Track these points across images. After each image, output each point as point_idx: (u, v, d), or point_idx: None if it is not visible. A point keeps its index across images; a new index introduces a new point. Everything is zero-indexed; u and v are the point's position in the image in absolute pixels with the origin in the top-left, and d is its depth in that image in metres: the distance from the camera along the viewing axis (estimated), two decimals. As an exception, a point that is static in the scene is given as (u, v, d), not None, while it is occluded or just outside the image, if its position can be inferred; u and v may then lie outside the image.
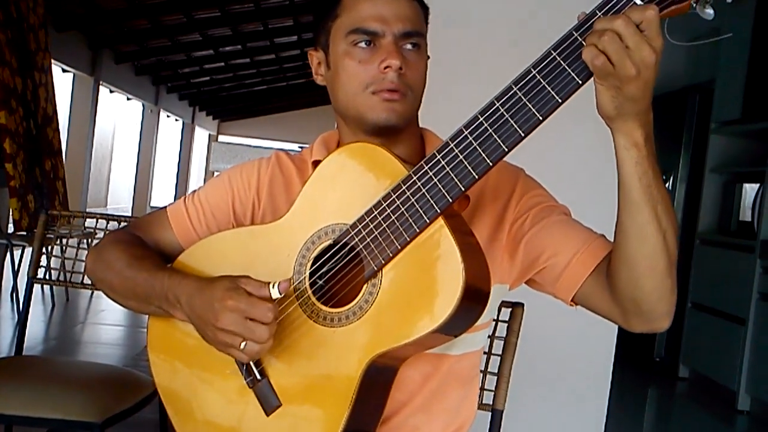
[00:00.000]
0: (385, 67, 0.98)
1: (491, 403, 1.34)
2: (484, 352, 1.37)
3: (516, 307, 1.36)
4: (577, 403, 2.27)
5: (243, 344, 0.88)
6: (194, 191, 1.18)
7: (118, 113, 14.96)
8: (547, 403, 2.25)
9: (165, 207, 1.18)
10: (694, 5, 0.78)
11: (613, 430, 2.37)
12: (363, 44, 1.00)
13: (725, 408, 4.00)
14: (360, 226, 0.91)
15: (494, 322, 1.39)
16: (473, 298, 0.87)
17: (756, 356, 3.87)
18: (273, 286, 0.90)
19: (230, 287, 0.90)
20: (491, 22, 2.16)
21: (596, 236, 1.02)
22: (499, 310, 1.39)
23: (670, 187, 4.78)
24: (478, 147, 0.85)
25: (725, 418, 3.93)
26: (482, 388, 1.37)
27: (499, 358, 1.36)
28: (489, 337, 1.39)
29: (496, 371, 1.35)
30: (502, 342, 1.36)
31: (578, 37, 0.80)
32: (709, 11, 0.78)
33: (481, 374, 1.37)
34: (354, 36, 1.00)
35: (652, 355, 4.72)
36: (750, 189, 4.27)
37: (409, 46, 1.01)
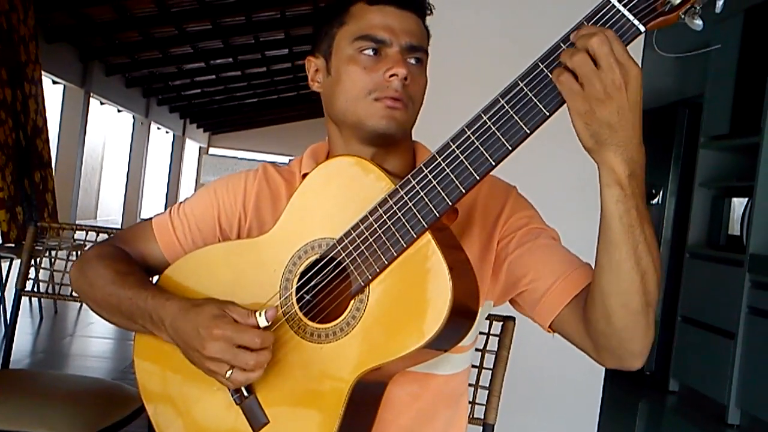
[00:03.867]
0: (391, 75, 0.97)
1: (482, 417, 1.33)
2: (475, 366, 1.37)
3: (507, 321, 1.35)
4: (567, 417, 2.26)
5: (229, 373, 0.88)
6: (180, 203, 1.16)
7: (109, 125, 14.92)
8: (539, 417, 2.24)
9: (150, 219, 1.16)
10: (683, 16, 0.77)
11: (604, 444, 2.36)
12: (369, 51, 0.99)
13: (715, 422, 4.00)
14: (346, 241, 0.90)
15: (485, 336, 1.39)
16: (462, 312, 0.86)
17: (746, 370, 3.87)
18: (260, 314, 0.89)
19: (216, 315, 0.89)
20: (486, 35, 2.18)
21: (580, 264, 0.99)
22: (491, 324, 1.39)
23: (659, 202, 4.81)
24: (465, 160, 0.83)
25: (715, 432, 3.93)
26: (473, 403, 1.36)
27: (490, 372, 1.35)
28: (480, 351, 1.38)
29: (487, 385, 1.35)
30: (494, 356, 1.36)
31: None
32: (698, 22, 0.77)
33: (472, 389, 1.36)
34: (361, 42, 0.99)
35: (642, 369, 4.72)
36: (738, 203, 4.29)
37: (413, 61, 1.00)
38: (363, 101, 0.99)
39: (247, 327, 0.88)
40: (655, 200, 4.82)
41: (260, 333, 0.88)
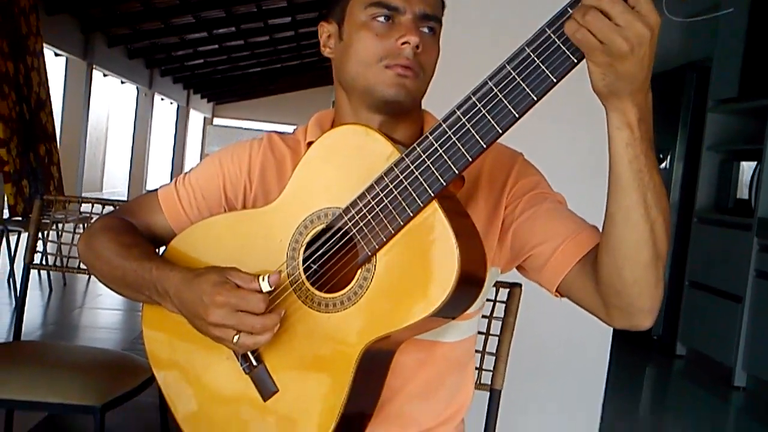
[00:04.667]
0: (403, 43, 0.96)
1: (489, 383, 1.34)
2: (482, 333, 1.37)
3: (514, 287, 1.35)
4: (575, 382, 2.28)
5: (236, 338, 0.88)
6: (185, 173, 1.15)
7: (112, 97, 14.88)
8: (546, 383, 2.25)
9: (156, 190, 1.16)
10: None
11: (611, 407, 2.38)
12: (382, 19, 0.98)
13: (722, 384, 4.03)
14: (353, 211, 0.90)
15: (492, 303, 1.39)
16: (469, 280, 0.86)
17: (752, 333, 3.89)
18: (263, 279, 0.89)
19: (218, 281, 0.89)
20: (497, 3, 2.15)
21: (586, 226, 0.98)
22: (497, 291, 1.39)
23: (667, 166, 4.78)
24: (471, 128, 0.82)
25: (722, 394, 3.96)
26: (481, 368, 1.37)
27: (497, 338, 1.36)
28: (487, 317, 1.39)
29: (494, 351, 1.36)
30: (500, 323, 1.36)
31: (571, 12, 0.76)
32: None
33: (479, 355, 1.37)
34: (374, 9, 0.98)
35: (650, 333, 4.75)
36: (747, 167, 4.27)
37: (426, 30, 0.99)
38: (374, 68, 0.98)
39: (251, 292, 0.88)
40: (663, 164, 4.79)
41: (264, 297, 0.88)
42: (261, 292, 0.89)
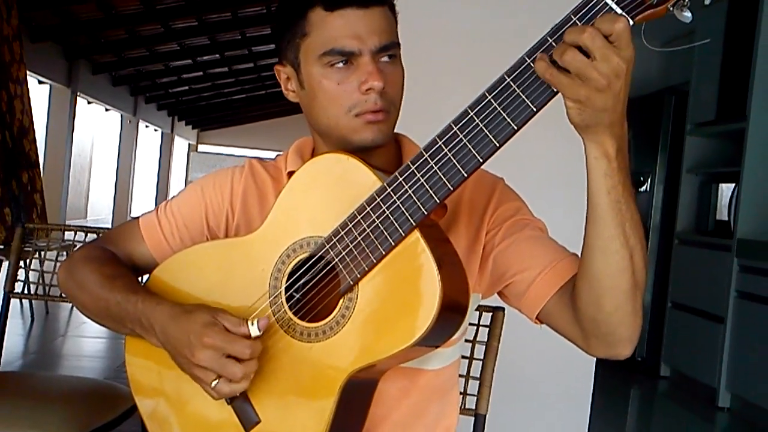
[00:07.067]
0: (368, 89, 0.94)
1: (474, 407, 1.34)
2: (466, 357, 1.38)
3: (496, 311, 1.36)
4: (560, 404, 2.28)
5: (215, 382, 0.87)
6: (167, 202, 1.14)
7: (97, 124, 14.84)
8: (531, 405, 2.26)
9: (137, 218, 1.15)
10: (671, 8, 0.76)
11: (596, 429, 2.38)
12: (339, 64, 0.95)
13: (706, 405, 4.04)
14: (335, 240, 0.89)
15: (475, 327, 1.40)
16: (452, 308, 0.86)
17: (735, 354, 3.91)
18: (252, 324, 0.88)
19: (208, 322, 0.88)
20: (471, 28, 2.18)
21: (566, 255, 0.99)
22: (480, 315, 1.39)
23: (647, 189, 4.83)
24: (452, 158, 0.82)
25: (706, 415, 3.97)
26: (465, 393, 1.37)
27: (480, 362, 1.36)
28: (470, 342, 1.39)
29: (478, 376, 1.36)
30: (484, 347, 1.36)
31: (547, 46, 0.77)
32: (687, 14, 0.76)
33: (463, 379, 1.37)
34: (329, 57, 0.95)
35: (633, 355, 4.75)
36: (726, 189, 4.33)
37: (386, 59, 0.97)
38: (344, 118, 0.97)
39: (238, 337, 0.87)
40: (643, 187, 4.85)
41: (250, 344, 0.87)
42: (249, 336, 0.88)
